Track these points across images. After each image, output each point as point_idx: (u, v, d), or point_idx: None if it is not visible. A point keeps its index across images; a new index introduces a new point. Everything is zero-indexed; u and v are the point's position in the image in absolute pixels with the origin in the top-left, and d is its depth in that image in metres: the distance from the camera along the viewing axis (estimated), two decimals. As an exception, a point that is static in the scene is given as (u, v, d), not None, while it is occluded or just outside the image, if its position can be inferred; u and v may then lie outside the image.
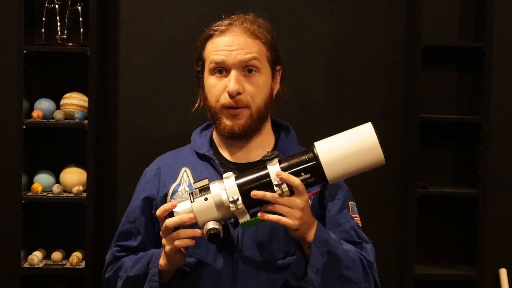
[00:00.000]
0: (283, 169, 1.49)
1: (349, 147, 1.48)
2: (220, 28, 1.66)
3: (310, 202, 1.55)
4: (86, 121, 2.73)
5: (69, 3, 2.80)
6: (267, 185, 1.48)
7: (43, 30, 2.80)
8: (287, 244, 1.61)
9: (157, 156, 1.83)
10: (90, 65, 2.70)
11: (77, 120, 2.75)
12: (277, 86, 1.73)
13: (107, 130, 2.86)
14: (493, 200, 2.91)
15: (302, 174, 1.48)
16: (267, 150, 1.56)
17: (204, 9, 2.81)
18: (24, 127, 2.73)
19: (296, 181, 1.47)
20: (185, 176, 1.71)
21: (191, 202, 1.50)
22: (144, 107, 2.87)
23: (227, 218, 1.52)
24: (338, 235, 1.62)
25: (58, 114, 2.76)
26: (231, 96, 1.62)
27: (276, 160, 1.50)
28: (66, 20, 2.80)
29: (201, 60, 1.70)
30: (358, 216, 1.73)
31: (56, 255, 2.78)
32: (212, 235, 1.47)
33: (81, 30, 2.80)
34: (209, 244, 1.58)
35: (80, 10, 2.80)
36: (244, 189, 1.48)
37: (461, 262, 2.93)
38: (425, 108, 2.84)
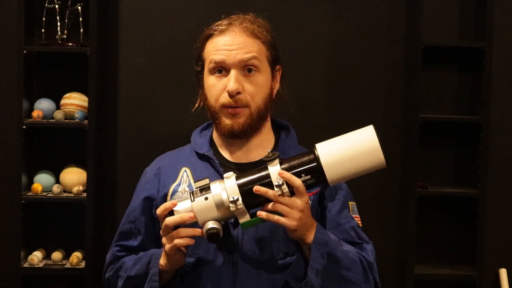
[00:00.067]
0: (284, 170, 1.49)
1: (350, 150, 1.48)
2: (220, 28, 1.66)
3: (310, 202, 1.55)
4: (86, 121, 2.73)
5: (69, 3, 2.80)
6: (267, 185, 1.48)
7: (43, 30, 2.80)
8: (287, 244, 1.61)
9: (157, 156, 1.83)
10: (90, 65, 2.70)
11: (77, 120, 2.75)
12: (277, 86, 1.73)
13: (107, 130, 2.86)
14: (493, 200, 2.91)
15: (303, 175, 1.49)
16: (268, 150, 1.56)
17: (204, 9, 2.82)
18: (24, 127, 2.73)
19: (297, 181, 1.47)
20: (185, 176, 1.71)
21: (192, 201, 1.50)
22: (144, 107, 2.87)
23: (227, 218, 1.52)
24: (338, 236, 1.62)
25: (58, 114, 2.76)
26: (231, 95, 1.62)
27: (277, 160, 1.50)
28: (66, 20, 2.80)
29: (200, 60, 1.71)
30: (358, 216, 1.73)
31: (56, 255, 2.78)
32: (212, 235, 1.47)
33: (81, 30, 2.80)
34: (209, 243, 1.58)
35: (80, 10, 2.79)
36: (244, 189, 1.48)
37: (461, 262, 2.93)
38: (425, 108, 2.85)
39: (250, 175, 1.50)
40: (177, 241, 1.51)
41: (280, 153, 1.55)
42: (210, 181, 1.52)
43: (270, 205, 1.48)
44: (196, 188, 1.52)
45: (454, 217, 2.95)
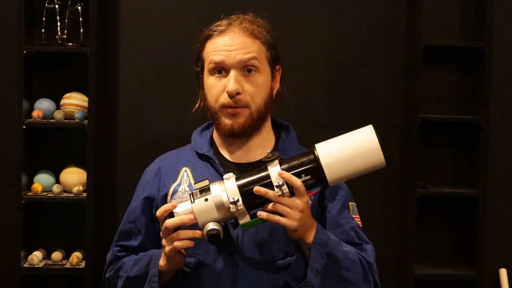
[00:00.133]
0: (284, 171, 1.49)
1: (350, 150, 1.48)
2: (219, 28, 1.66)
3: (310, 202, 1.55)
4: (86, 121, 2.73)
5: (69, 3, 2.80)
6: (267, 186, 1.48)
7: (43, 30, 2.80)
8: (287, 244, 1.61)
9: (157, 156, 1.83)
10: (90, 65, 2.70)
11: (77, 120, 2.75)
12: (277, 86, 1.73)
13: (107, 130, 2.86)
14: (493, 200, 2.91)
15: (303, 175, 1.49)
16: (268, 151, 1.56)
17: (204, 9, 2.81)
18: (24, 127, 2.73)
19: (297, 182, 1.47)
20: (185, 176, 1.71)
21: (192, 202, 1.50)
22: (144, 107, 2.87)
23: (227, 219, 1.52)
24: (338, 236, 1.62)
25: (58, 114, 2.76)
26: (231, 96, 1.62)
27: (276, 161, 1.50)
28: (66, 20, 2.80)
29: (200, 61, 1.71)
30: (358, 216, 1.73)
31: (56, 255, 2.78)
32: (212, 236, 1.47)
33: (81, 30, 2.80)
34: (209, 244, 1.58)
35: (80, 10, 2.79)
36: (244, 190, 1.48)
37: (461, 262, 2.93)
38: (425, 108, 2.84)
39: (250, 176, 1.50)
40: (176, 243, 1.51)
41: (280, 153, 1.55)
42: (210, 182, 1.52)
43: (270, 206, 1.48)
44: (196, 189, 1.52)
45: (454, 217, 2.95)
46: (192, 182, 1.68)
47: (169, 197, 1.69)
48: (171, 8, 2.86)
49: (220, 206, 1.48)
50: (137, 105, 2.87)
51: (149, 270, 1.61)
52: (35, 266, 2.73)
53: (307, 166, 1.49)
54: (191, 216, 1.49)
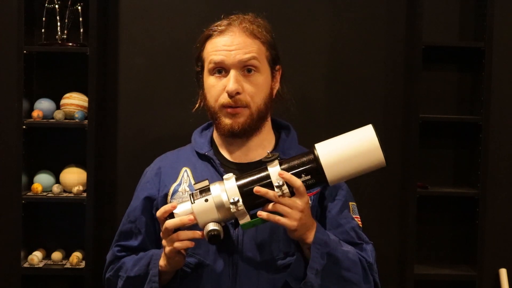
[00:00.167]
0: (284, 171, 1.49)
1: (350, 149, 1.49)
2: (219, 28, 1.66)
3: (310, 202, 1.55)
4: (86, 121, 2.72)
5: (69, 3, 2.80)
6: (267, 186, 1.48)
7: (43, 30, 2.80)
8: (287, 244, 1.61)
9: (157, 156, 1.83)
10: (90, 65, 2.70)
11: (77, 120, 2.75)
12: (277, 86, 1.73)
13: (107, 130, 2.86)
14: (493, 200, 2.91)
15: (303, 175, 1.49)
16: (268, 151, 1.56)
17: (204, 9, 2.81)
18: (24, 127, 2.73)
19: (297, 182, 1.47)
20: (185, 176, 1.71)
21: (192, 203, 1.50)
22: (144, 107, 2.87)
23: (228, 219, 1.52)
24: (338, 236, 1.63)
25: (58, 114, 2.76)
26: (230, 96, 1.62)
27: (276, 161, 1.50)
28: (66, 20, 2.80)
29: (200, 61, 1.71)
30: (358, 216, 1.73)
31: (56, 255, 2.78)
32: (212, 237, 1.47)
33: (81, 30, 2.80)
34: (209, 244, 1.58)
35: (80, 10, 2.79)
36: (244, 190, 1.48)
37: (461, 262, 2.93)
38: (425, 108, 2.84)
39: (250, 176, 1.51)
40: (177, 244, 1.51)
41: (280, 153, 1.56)
42: (210, 182, 1.52)
43: (270, 206, 1.48)
44: (196, 190, 1.52)
45: (454, 217, 2.95)
46: (192, 182, 1.68)
47: (169, 197, 1.69)
48: (171, 8, 2.86)
49: (220, 207, 1.48)
50: (137, 105, 2.87)
51: (149, 270, 1.61)
52: (35, 266, 2.73)
53: (307, 166, 1.49)
54: (191, 217, 1.49)
